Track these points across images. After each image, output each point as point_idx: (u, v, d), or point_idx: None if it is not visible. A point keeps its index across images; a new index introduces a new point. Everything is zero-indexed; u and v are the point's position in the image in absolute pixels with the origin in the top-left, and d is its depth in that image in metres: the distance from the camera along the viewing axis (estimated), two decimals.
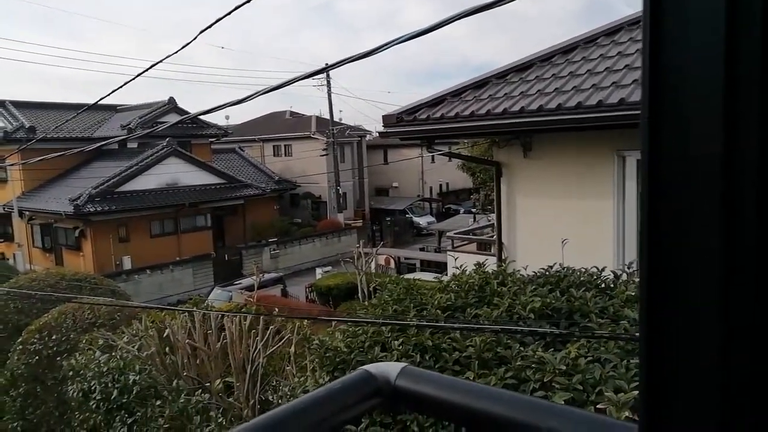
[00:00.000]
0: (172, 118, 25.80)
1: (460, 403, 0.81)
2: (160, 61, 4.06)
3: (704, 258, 0.37)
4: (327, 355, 3.48)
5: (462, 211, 35.37)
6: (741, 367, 0.36)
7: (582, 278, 4.18)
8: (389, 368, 0.88)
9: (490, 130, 6.30)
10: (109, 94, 4.54)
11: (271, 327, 6.21)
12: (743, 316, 0.36)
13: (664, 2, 0.38)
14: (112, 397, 5.67)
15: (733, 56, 0.35)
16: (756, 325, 0.36)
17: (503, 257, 6.33)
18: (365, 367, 0.90)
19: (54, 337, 7.63)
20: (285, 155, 36.09)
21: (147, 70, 4.03)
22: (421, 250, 27.48)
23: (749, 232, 0.35)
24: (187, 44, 3.73)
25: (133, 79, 4.76)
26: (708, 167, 0.36)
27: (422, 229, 33.85)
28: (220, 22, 3.80)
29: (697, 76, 0.36)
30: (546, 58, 6.75)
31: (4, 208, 26.11)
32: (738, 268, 0.36)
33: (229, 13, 3.32)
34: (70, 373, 6.51)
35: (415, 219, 35.32)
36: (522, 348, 3.21)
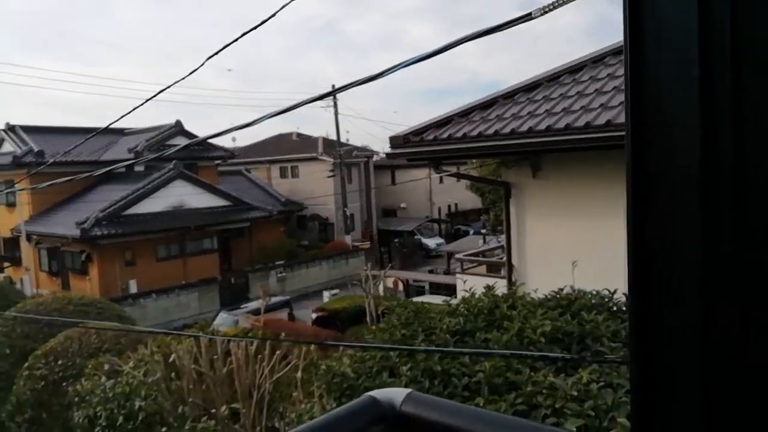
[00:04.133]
0: (179, 141, 26.03)
1: (466, 429, 0.78)
2: (170, 87, 4.08)
3: (685, 269, 0.39)
4: (334, 380, 3.41)
5: (472, 232, 35.18)
6: (721, 387, 0.37)
7: (593, 301, 4.11)
8: (394, 394, 0.86)
9: (498, 150, 6.28)
10: (118, 120, 4.56)
11: (277, 352, 6.14)
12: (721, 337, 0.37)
13: (643, 29, 0.40)
14: (118, 423, 5.59)
15: (707, 77, 0.37)
16: (734, 344, 0.37)
17: (513, 280, 6.26)
18: (371, 393, 0.87)
19: (60, 362, 7.57)
20: (292, 177, 36.24)
21: (157, 95, 4.05)
22: (430, 272, 27.29)
23: (725, 241, 0.37)
24: (195, 70, 3.76)
25: (143, 104, 4.78)
26: (687, 177, 0.39)
27: (431, 251, 33.66)
28: (228, 46, 3.81)
29: (673, 95, 0.39)
30: (553, 78, 6.75)
31: (12, 232, 26.28)
32: (716, 279, 0.37)
33: (237, 40, 3.33)
34: (76, 399, 6.45)
35: (424, 240, 35.16)
36: (533, 373, 3.13)
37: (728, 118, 0.36)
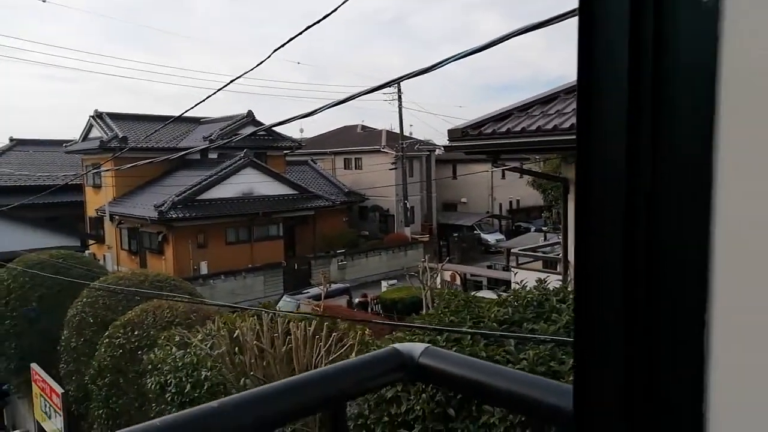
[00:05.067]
0: (250, 130, 27.08)
1: (474, 378, 0.92)
2: (238, 78, 4.40)
3: (609, 267, 0.50)
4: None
5: (533, 229, 34.52)
6: (641, 353, 0.49)
7: None
8: (415, 347, 1.01)
9: (557, 145, 6.24)
10: (193, 107, 4.95)
11: (334, 334, 6.42)
12: (638, 314, 0.49)
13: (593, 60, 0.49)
14: (185, 390, 6.05)
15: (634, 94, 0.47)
16: (650, 319, 0.48)
17: (568, 276, 6.23)
18: (394, 345, 1.02)
19: (136, 333, 8.21)
20: (355, 168, 36.83)
21: (226, 85, 4.37)
22: (489, 267, 27.06)
23: (640, 244, 0.47)
24: (262, 62, 4.03)
25: (214, 93, 5.15)
26: (616, 187, 0.48)
27: (490, 247, 33.33)
28: (293, 39, 4.06)
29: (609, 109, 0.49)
30: None
31: (97, 212, 28.28)
32: (632, 278, 0.48)
33: (302, 32, 3.56)
34: (149, 367, 7.00)
35: (484, 236, 34.84)
36: None
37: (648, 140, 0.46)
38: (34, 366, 10.24)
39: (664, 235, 0.47)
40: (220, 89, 4.55)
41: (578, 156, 0.52)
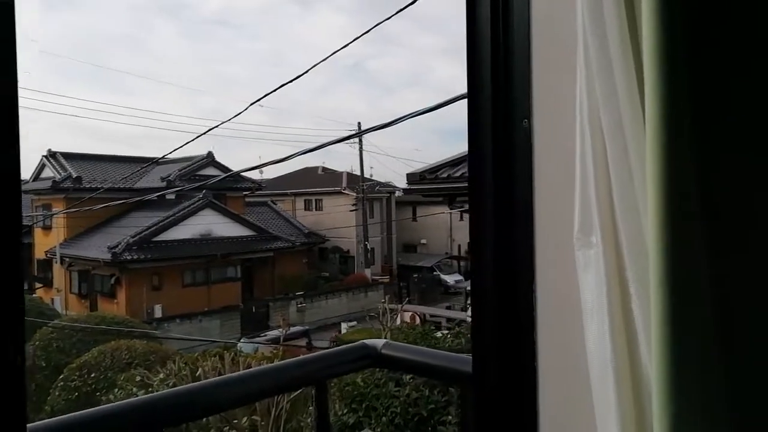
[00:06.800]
0: (210, 171, 27.07)
1: (419, 361, 1.25)
2: (218, 126, 4.68)
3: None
4: (346, 389, 3.83)
5: None
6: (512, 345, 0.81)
7: None
8: (378, 342, 1.34)
9: None
10: (171, 153, 5.18)
11: None
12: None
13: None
14: None
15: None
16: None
17: None
18: (362, 340, 1.34)
19: (93, 375, 8.09)
20: (316, 209, 37.04)
21: (207, 132, 4.64)
22: (448, 308, 27.37)
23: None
24: (241, 113, 4.34)
25: (193, 140, 5.39)
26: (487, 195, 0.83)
27: (450, 288, 33.71)
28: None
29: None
30: None
31: (46, 254, 27.36)
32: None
33: (281, 86, 3.91)
34: None
35: (443, 277, 35.26)
36: None
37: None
38: None
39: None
40: (200, 136, 4.81)
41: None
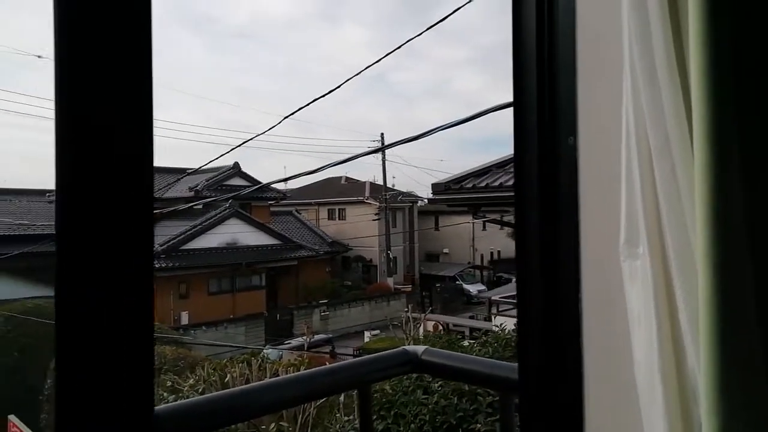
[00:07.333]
0: (236, 181, 27.50)
1: (459, 367, 1.30)
2: (252, 139, 4.83)
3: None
4: (374, 396, 3.89)
5: (514, 279, 34.77)
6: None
7: None
8: (418, 348, 1.40)
9: None
10: (205, 164, 5.36)
11: None
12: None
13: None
14: None
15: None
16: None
17: None
18: (403, 346, 1.41)
19: None
20: (339, 219, 37.26)
21: (240, 145, 4.79)
22: (471, 317, 27.20)
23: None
24: (274, 126, 4.47)
25: (228, 152, 5.55)
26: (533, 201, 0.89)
27: (472, 297, 33.47)
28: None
29: None
30: None
31: None
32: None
33: (314, 101, 4.04)
34: None
35: (466, 286, 35.07)
36: None
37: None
38: (11, 417, 10.09)
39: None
40: (235, 148, 4.97)
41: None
